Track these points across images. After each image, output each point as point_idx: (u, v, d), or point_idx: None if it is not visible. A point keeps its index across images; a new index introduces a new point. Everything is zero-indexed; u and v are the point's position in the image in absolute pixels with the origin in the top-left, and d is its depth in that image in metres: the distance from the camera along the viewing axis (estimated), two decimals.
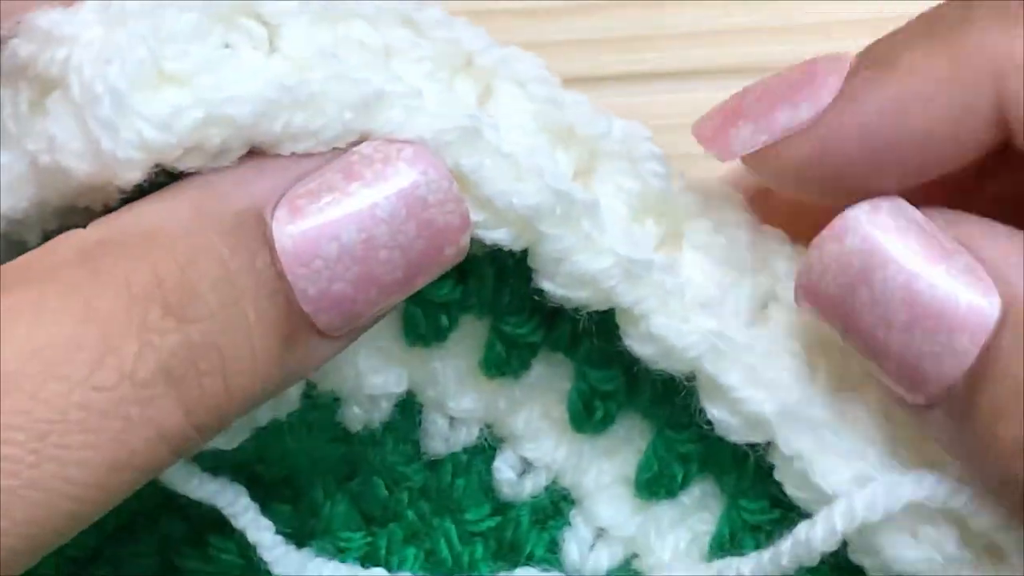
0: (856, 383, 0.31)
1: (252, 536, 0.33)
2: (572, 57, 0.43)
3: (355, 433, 0.34)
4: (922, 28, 0.29)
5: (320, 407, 0.33)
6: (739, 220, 0.32)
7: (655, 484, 0.34)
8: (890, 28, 0.42)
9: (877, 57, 0.29)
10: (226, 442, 0.32)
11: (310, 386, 0.33)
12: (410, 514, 0.35)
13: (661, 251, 0.31)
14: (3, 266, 0.27)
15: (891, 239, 0.28)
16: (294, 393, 0.32)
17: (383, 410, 0.34)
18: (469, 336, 0.34)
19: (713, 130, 0.30)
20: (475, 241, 0.30)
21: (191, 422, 0.26)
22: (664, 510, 0.34)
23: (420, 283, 0.29)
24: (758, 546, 0.33)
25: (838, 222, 0.28)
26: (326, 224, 0.27)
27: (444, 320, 0.33)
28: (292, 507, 0.34)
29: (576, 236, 0.30)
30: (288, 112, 0.28)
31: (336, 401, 0.33)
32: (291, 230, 0.27)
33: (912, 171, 0.28)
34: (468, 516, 0.35)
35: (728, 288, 0.31)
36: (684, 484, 0.34)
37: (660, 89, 0.44)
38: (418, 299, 0.32)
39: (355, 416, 0.34)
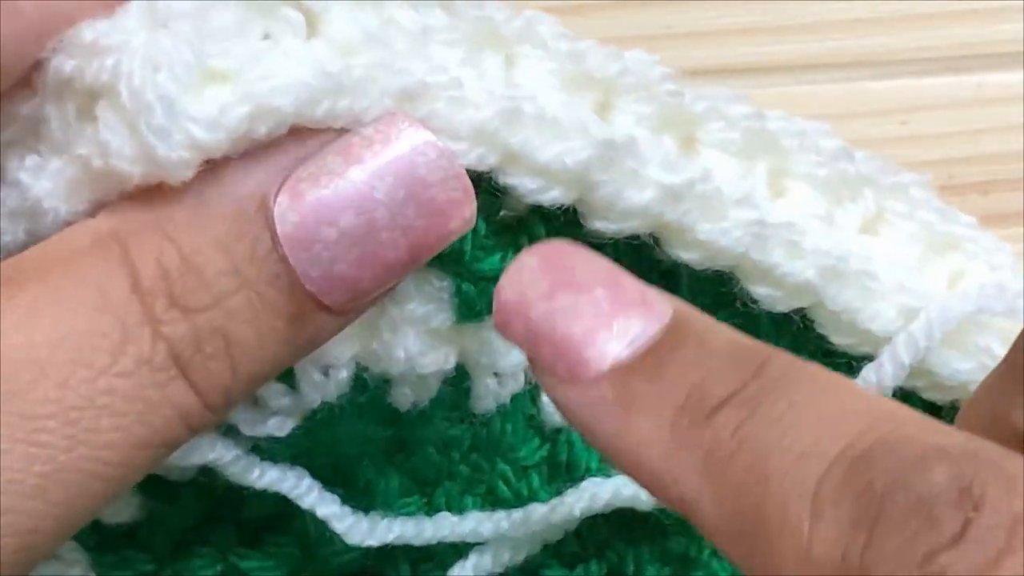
0: (871, 224, 0.34)
1: (321, 511, 0.34)
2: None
3: (404, 413, 0.35)
4: (669, 401, 0.26)
5: (370, 389, 0.34)
6: (746, 113, 0.34)
7: None
8: (889, 28, 0.43)
9: (624, 392, 0.26)
10: (279, 428, 0.33)
11: (361, 368, 0.33)
12: (463, 469, 0.36)
13: (684, 158, 0.33)
14: (23, 254, 0.28)
15: None
16: (344, 376, 0.33)
17: (432, 388, 0.35)
18: None
19: (500, 306, 0.28)
20: (522, 203, 0.31)
21: (203, 402, 0.28)
22: None
23: (426, 257, 0.29)
24: None
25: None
26: (325, 209, 0.28)
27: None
28: (345, 491, 0.35)
29: (623, 176, 0.31)
30: (332, 98, 0.28)
31: (386, 383, 0.34)
32: (291, 216, 0.28)
33: None
34: (520, 453, 0.36)
35: (747, 175, 0.33)
36: None
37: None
38: (469, 275, 0.33)
39: (405, 396, 0.34)
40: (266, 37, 0.29)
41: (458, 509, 0.36)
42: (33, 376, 0.26)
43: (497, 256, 0.33)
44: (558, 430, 0.36)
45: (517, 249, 0.33)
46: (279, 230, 0.27)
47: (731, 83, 0.43)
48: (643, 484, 0.27)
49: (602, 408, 0.26)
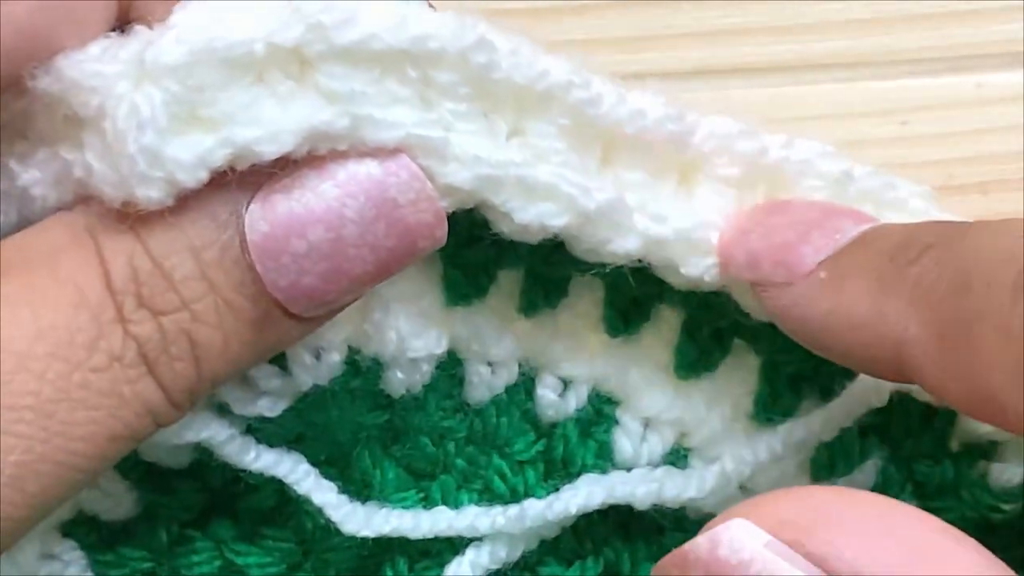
0: None
1: (318, 499, 0.34)
2: (572, 57, 0.43)
3: (398, 399, 0.35)
4: (877, 260, 0.30)
5: (363, 373, 0.34)
6: (751, 148, 0.33)
7: (695, 363, 0.35)
8: (889, 28, 0.43)
9: (836, 269, 0.30)
10: (269, 408, 0.33)
11: (353, 351, 0.34)
12: (459, 463, 0.36)
13: (681, 195, 0.33)
14: (2, 243, 0.28)
15: None
16: (336, 359, 0.33)
17: (424, 373, 0.35)
18: (506, 286, 0.35)
19: (724, 244, 0.32)
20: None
21: (169, 399, 0.28)
22: (706, 384, 0.36)
23: (394, 271, 0.30)
24: (800, 398, 0.35)
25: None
26: (296, 221, 0.28)
27: (484, 279, 0.34)
28: (342, 482, 0.35)
29: (606, 230, 0.32)
30: (315, 144, 0.28)
31: (378, 366, 0.34)
32: (262, 225, 0.28)
33: (844, 363, 0.31)
34: (516, 448, 0.36)
35: (744, 203, 0.33)
36: (722, 356, 0.35)
37: (660, 89, 0.44)
38: (456, 262, 0.33)
39: (398, 381, 0.35)
40: (260, 80, 0.29)
41: (454, 504, 0.36)
42: (12, 367, 0.26)
43: (483, 246, 0.33)
44: (554, 425, 0.36)
45: (502, 250, 0.33)
46: (249, 238, 0.28)
47: (731, 83, 0.43)
48: (854, 347, 0.29)
49: (818, 291, 0.30)
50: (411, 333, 0.34)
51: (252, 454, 0.34)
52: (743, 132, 0.33)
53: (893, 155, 0.41)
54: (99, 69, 0.28)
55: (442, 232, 0.30)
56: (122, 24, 0.29)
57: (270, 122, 0.28)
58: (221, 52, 0.28)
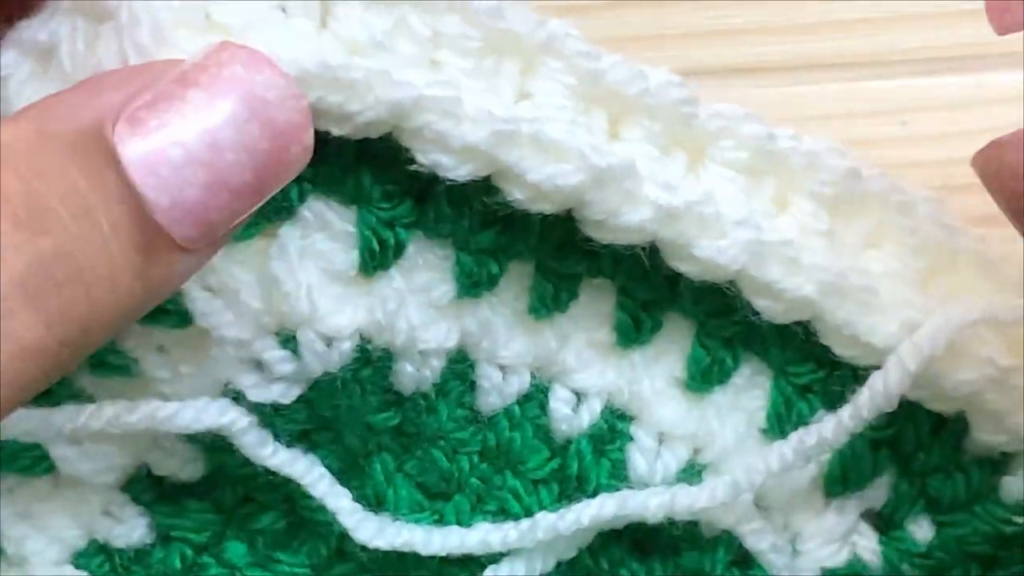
0: (875, 240, 0.34)
1: (331, 503, 0.34)
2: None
3: (408, 398, 0.35)
4: None
5: (373, 363, 0.34)
6: (758, 132, 0.34)
7: (707, 374, 0.35)
8: (889, 28, 0.43)
9: None
10: (283, 394, 0.33)
11: (364, 340, 0.34)
12: (473, 481, 0.36)
13: (690, 176, 0.33)
14: None
15: None
16: (347, 347, 0.33)
17: (434, 368, 0.35)
18: (516, 281, 0.35)
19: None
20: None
21: (54, 335, 0.26)
22: (718, 398, 0.36)
23: (271, 187, 0.29)
24: (812, 410, 0.35)
25: None
26: (169, 131, 0.27)
27: (494, 267, 0.34)
28: (356, 494, 0.35)
29: (618, 197, 0.31)
30: (324, 90, 0.29)
31: (389, 357, 0.34)
32: (135, 142, 0.27)
33: None
34: (529, 465, 0.36)
35: (753, 193, 0.33)
36: (734, 366, 0.35)
37: None
38: (468, 248, 0.33)
39: (407, 375, 0.35)
40: (282, 10, 0.29)
41: (468, 527, 0.36)
42: None
43: (494, 231, 0.33)
44: (568, 441, 0.36)
45: (513, 226, 0.33)
46: (123, 157, 0.27)
47: (731, 83, 0.43)
48: None
49: None
50: (421, 324, 0.34)
51: (270, 448, 0.34)
52: (749, 115, 0.33)
53: (893, 155, 0.41)
54: None
55: (310, 137, 0.29)
56: None
57: (286, 48, 0.28)
58: None
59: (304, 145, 0.29)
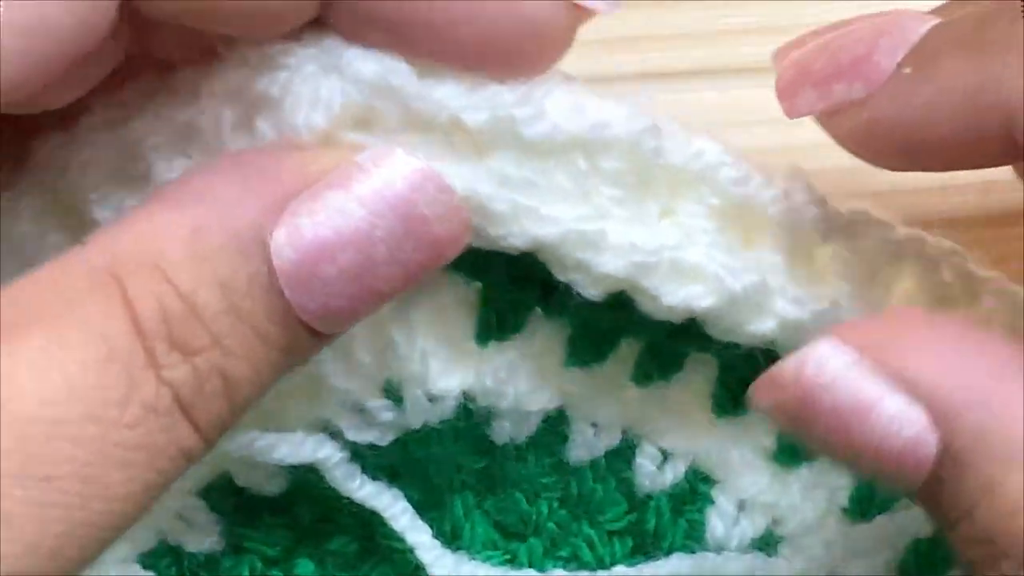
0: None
1: (412, 538, 0.34)
2: (573, 58, 0.43)
3: (500, 446, 0.35)
4: (969, 29, 0.29)
5: (473, 418, 0.34)
6: (806, 199, 0.33)
7: (798, 449, 0.35)
8: None
9: (921, 56, 0.29)
10: (380, 438, 0.34)
11: (468, 399, 0.34)
12: (550, 526, 0.36)
13: (747, 250, 0.32)
14: (19, 287, 0.27)
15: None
16: (451, 405, 0.34)
17: (531, 425, 0.35)
18: (625, 355, 0.35)
19: (785, 85, 0.32)
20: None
21: (203, 438, 0.27)
22: (804, 472, 0.36)
23: (419, 280, 0.29)
24: (895, 497, 0.34)
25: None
26: (324, 247, 0.27)
27: (606, 347, 0.34)
28: (435, 529, 0.35)
29: (746, 312, 0.31)
30: (476, 215, 0.29)
31: (490, 414, 0.34)
32: (289, 253, 0.27)
33: (940, 164, 0.30)
34: (607, 516, 0.36)
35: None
36: None
37: (661, 89, 0.44)
38: (585, 327, 0.33)
39: (504, 429, 0.35)
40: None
41: (540, 570, 0.36)
42: (47, 435, 0.25)
43: (612, 314, 0.32)
44: (648, 497, 0.36)
45: (629, 319, 0.33)
46: (277, 266, 0.27)
47: (731, 83, 0.43)
48: (959, 132, 0.28)
49: (907, 87, 0.28)
50: (528, 391, 0.34)
51: (357, 482, 0.34)
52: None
53: None
54: (289, 48, 0.29)
55: (468, 238, 0.29)
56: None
57: (443, 165, 0.28)
58: (404, 94, 0.28)
59: (461, 246, 0.29)
